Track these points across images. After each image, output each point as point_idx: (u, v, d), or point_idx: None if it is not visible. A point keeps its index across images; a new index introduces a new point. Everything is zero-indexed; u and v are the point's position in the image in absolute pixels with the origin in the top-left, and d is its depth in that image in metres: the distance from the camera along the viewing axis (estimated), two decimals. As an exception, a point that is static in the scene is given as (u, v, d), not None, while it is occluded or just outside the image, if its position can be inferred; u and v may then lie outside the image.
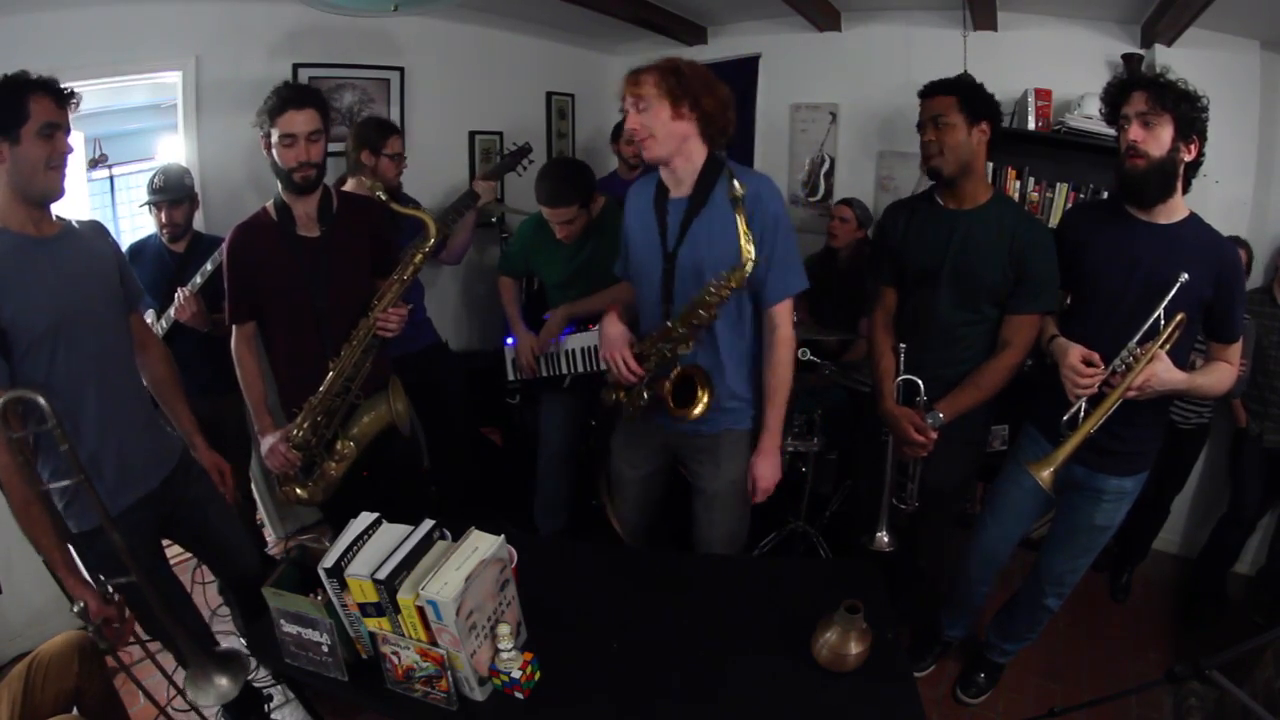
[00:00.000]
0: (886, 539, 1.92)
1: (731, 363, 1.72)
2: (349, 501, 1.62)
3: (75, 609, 1.38)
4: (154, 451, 1.65)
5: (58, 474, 1.38)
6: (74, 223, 1.55)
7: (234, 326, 1.91)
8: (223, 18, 2.52)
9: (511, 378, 2.53)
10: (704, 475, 1.83)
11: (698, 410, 1.67)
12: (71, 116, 1.42)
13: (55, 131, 1.37)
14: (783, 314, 1.69)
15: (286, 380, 1.96)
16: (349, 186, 2.38)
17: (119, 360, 1.58)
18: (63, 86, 1.40)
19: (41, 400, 1.26)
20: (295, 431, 1.86)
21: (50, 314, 1.39)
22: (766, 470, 1.73)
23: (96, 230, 1.63)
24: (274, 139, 1.73)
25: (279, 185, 1.82)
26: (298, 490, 1.94)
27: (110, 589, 1.43)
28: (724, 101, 1.62)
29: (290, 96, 1.74)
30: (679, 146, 1.61)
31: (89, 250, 1.54)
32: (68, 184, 1.45)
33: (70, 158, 1.43)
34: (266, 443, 1.88)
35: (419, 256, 1.87)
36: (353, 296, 1.91)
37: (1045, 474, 1.58)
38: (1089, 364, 1.59)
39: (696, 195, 1.64)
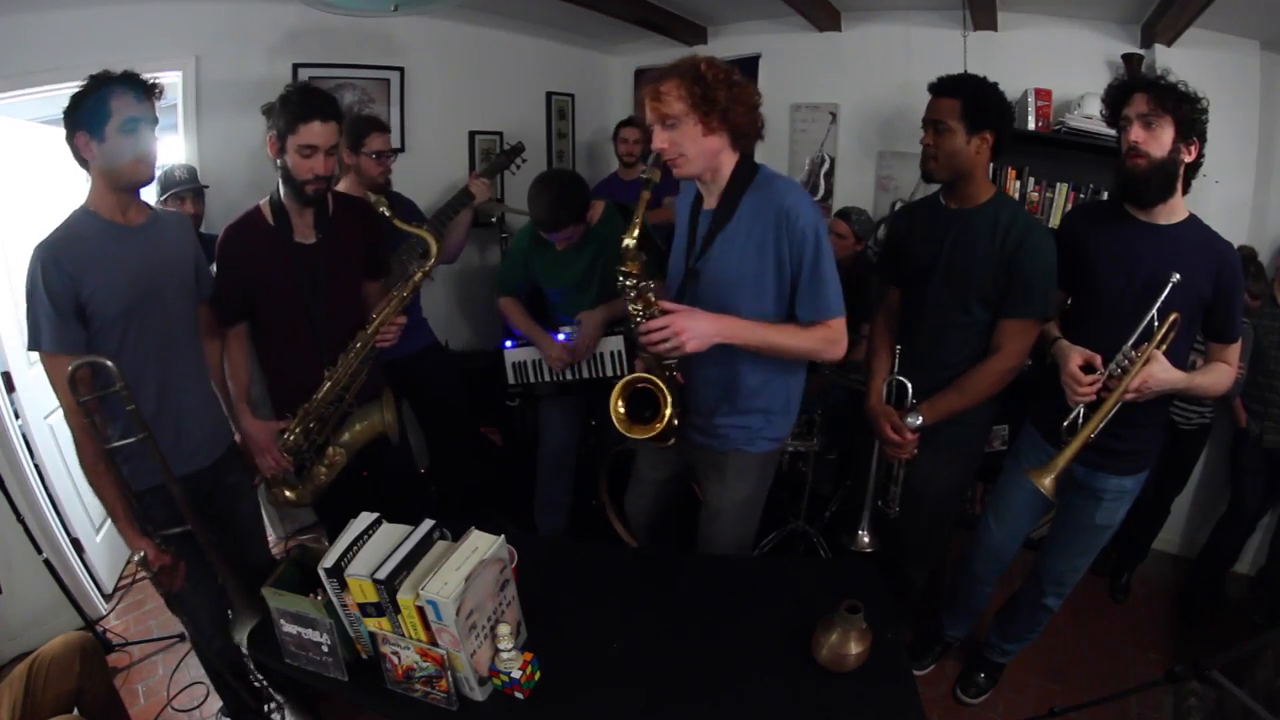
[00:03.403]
0: (867, 539, 1.91)
1: (741, 386, 1.65)
2: (347, 503, 1.62)
3: (135, 558, 1.51)
4: (208, 432, 1.74)
5: (126, 435, 1.51)
6: (161, 212, 1.67)
7: (222, 329, 1.89)
8: (223, 18, 2.52)
9: (512, 382, 2.53)
10: (710, 491, 1.80)
11: (649, 435, 1.61)
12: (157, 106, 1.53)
13: (137, 125, 1.47)
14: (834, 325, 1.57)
15: (278, 384, 1.95)
16: (342, 186, 2.38)
17: (181, 344, 1.66)
18: (145, 79, 1.49)
19: (109, 364, 1.41)
20: (288, 435, 1.86)
21: (125, 298, 1.50)
22: (696, 324, 1.46)
23: (180, 224, 1.75)
24: (291, 145, 1.69)
25: (280, 188, 1.79)
26: (286, 492, 1.94)
27: (163, 540, 1.57)
28: (752, 106, 1.51)
29: (320, 106, 1.70)
30: (711, 163, 1.53)
31: (169, 241, 1.64)
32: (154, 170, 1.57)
33: (157, 146, 1.54)
34: (256, 438, 1.86)
35: (419, 275, 1.85)
36: (348, 302, 1.91)
37: (1047, 481, 1.58)
38: (1089, 369, 1.59)
39: (722, 208, 1.57)
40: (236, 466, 1.83)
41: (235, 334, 1.90)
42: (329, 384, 1.84)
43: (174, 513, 1.56)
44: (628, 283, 1.50)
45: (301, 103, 1.69)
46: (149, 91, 1.49)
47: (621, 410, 1.63)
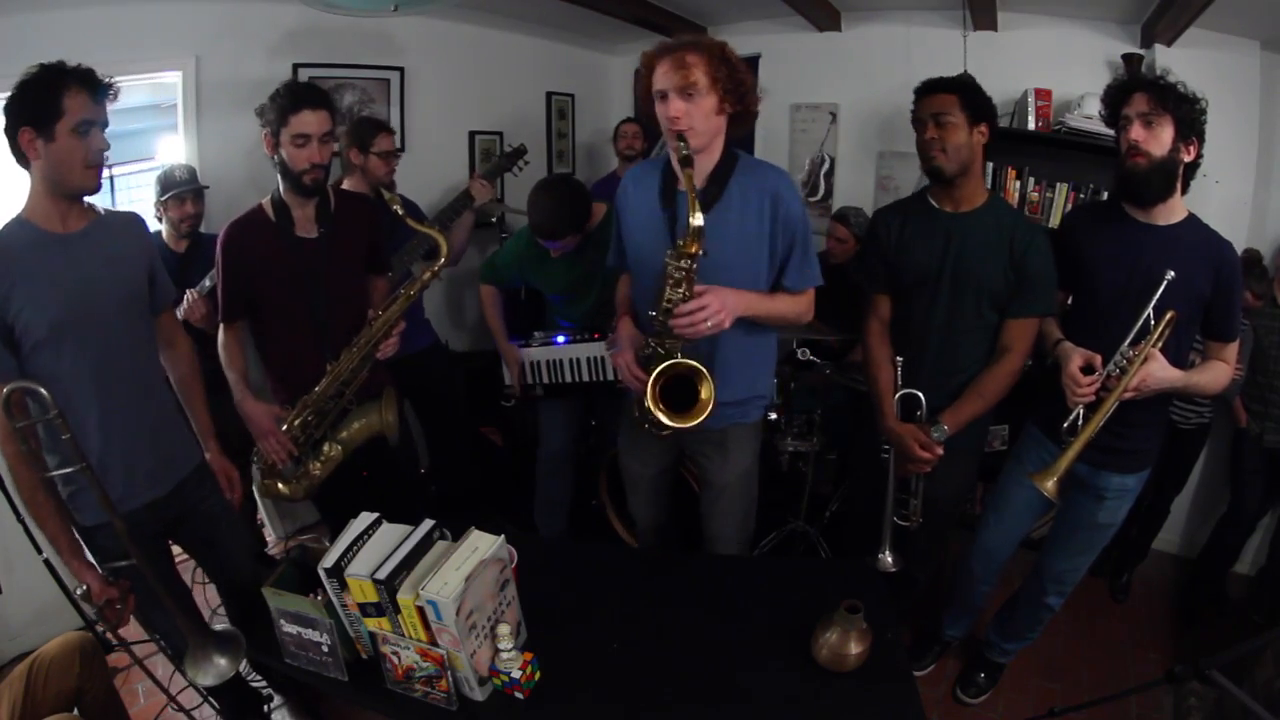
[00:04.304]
0: (891, 559, 1.85)
1: (737, 362, 1.68)
2: (352, 502, 1.62)
3: (79, 591, 1.40)
4: (165, 457, 1.61)
5: (64, 465, 1.35)
6: (105, 214, 1.51)
7: (222, 325, 1.88)
8: (223, 18, 2.52)
9: (509, 384, 2.53)
10: (712, 469, 1.81)
11: (698, 419, 1.54)
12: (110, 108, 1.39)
13: (91, 128, 1.35)
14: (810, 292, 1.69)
15: (281, 378, 1.95)
16: (346, 185, 2.39)
17: (126, 363, 1.52)
18: (101, 78, 1.36)
19: (43, 390, 1.25)
20: (285, 428, 1.86)
21: (54, 315, 1.36)
22: (726, 299, 1.49)
23: (129, 226, 1.58)
24: (284, 138, 1.70)
25: (280, 184, 1.80)
26: (280, 485, 1.93)
27: (111, 572, 1.45)
28: (757, 99, 1.56)
29: (305, 96, 1.71)
30: (709, 142, 1.53)
31: (112, 248, 1.49)
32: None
33: (106, 154, 1.40)
34: (258, 421, 1.84)
35: (428, 275, 1.86)
36: (350, 296, 1.91)
37: (1049, 484, 1.58)
38: (1089, 370, 1.59)
39: (710, 188, 1.57)
40: (207, 491, 1.71)
41: (234, 337, 1.90)
42: (329, 377, 1.84)
43: (159, 529, 1.50)
44: (683, 263, 1.46)
45: (289, 95, 1.70)
46: (104, 91, 1.37)
47: (661, 412, 1.56)
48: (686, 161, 1.46)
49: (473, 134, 3.39)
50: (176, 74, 2.47)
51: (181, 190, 2.27)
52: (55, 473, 1.36)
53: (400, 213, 1.82)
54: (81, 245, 1.43)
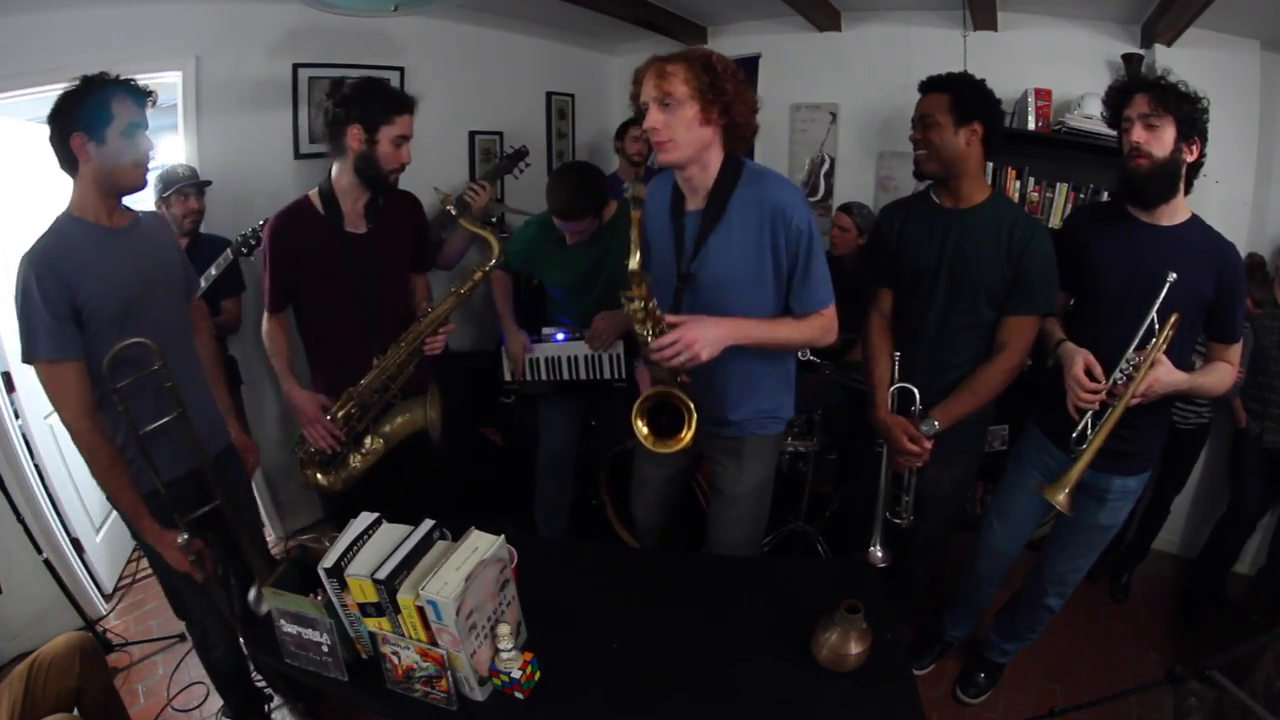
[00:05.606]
0: (880, 554, 1.86)
1: (749, 381, 1.66)
2: (373, 498, 1.62)
3: (181, 540, 1.52)
4: (205, 432, 1.69)
5: (125, 434, 1.50)
6: (141, 215, 1.65)
7: (268, 314, 1.92)
8: (223, 18, 2.52)
9: (508, 379, 2.53)
10: (726, 477, 1.80)
11: (677, 446, 1.55)
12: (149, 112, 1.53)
13: (138, 131, 1.48)
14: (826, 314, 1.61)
15: (325, 370, 1.96)
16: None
17: (175, 345, 1.63)
18: (141, 85, 1.50)
19: (148, 342, 1.40)
20: (327, 416, 1.87)
21: (119, 299, 1.49)
22: (706, 332, 1.46)
23: (159, 223, 1.75)
24: (384, 135, 1.77)
25: (337, 175, 1.83)
26: (319, 476, 1.93)
27: (188, 525, 1.55)
28: (753, 107, 1.51)
29: (407, 100, 1.81)
30: (697, 154, 1.49)
31: (154, 242, 1.65)
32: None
33: (151, 154, 1.55)
34: (304, 409, 1.87)
35: (479, 274, 1.87)
36: (396, 291, 1.95)
37: (1061, 497, 1.57)
38: (1091, 375, 1.58)
39: (711, 207, 1.53)
40: (233, 466, 1.81)
41: (279, 325, 1.93)
42: (375, 371, 1.85)
43: (198, 499, 1.59)
44: (635, 305, 1.46)
45: (395, 96, 1.79)
46: (146, 97, 1.51)
47: (645, 430, 1.58)
48: (636, 203, 1.43)
49: (473, 134, 3.39)
50: (176, 74, 2.47)
51: (185, 185, 2.28)
52: (155, 425, 1.47)
53: (454, 212, 1.87)
54: (130, 238, 1.57)
